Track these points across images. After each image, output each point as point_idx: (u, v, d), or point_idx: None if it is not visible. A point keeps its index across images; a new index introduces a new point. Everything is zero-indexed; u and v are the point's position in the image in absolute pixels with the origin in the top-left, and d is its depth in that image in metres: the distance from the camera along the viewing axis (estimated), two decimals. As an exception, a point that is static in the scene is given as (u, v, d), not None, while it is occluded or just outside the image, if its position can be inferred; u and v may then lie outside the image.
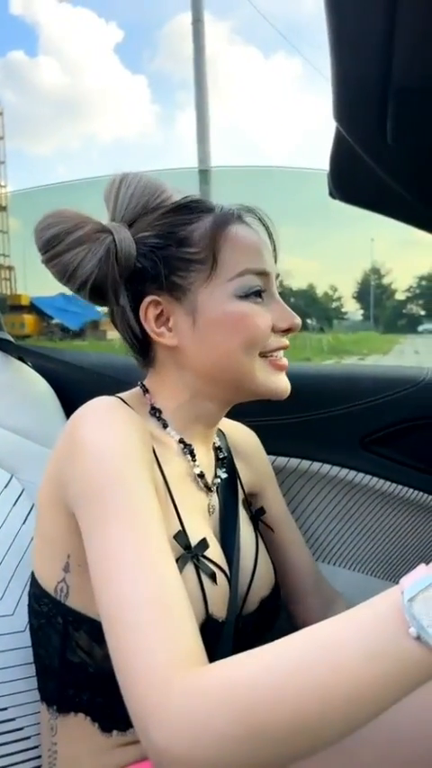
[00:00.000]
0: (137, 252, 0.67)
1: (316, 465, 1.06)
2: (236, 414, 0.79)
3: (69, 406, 1.07)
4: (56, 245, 0.66)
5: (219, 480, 0.75)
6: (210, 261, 0.65)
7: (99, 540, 0.54)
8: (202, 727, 0.44)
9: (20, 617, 0.78)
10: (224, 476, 0.76)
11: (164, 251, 0.66)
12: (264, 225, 0.71)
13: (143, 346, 0.71)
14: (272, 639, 0.48)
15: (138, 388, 0.73)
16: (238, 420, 0.88)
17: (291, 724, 0.43)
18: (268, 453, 0.91)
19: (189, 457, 0.71)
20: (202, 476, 0.71)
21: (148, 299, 0.67)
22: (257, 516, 0.82)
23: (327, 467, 1.06)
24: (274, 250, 0.72)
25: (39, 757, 0.76)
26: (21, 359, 1.04)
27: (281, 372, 0.70)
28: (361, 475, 1.05)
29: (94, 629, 0.61)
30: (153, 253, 0.66)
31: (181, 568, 0.59)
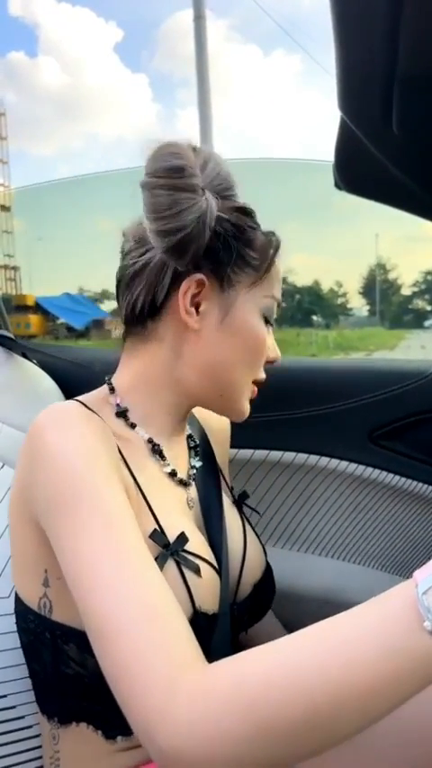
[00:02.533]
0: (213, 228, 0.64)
1: (324, 460, 1.06)
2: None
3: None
4: (177, 177, 0.62)
5: (194, 471, 0.73)
6: (261, 272, 0.67)
7: (72, 552, 0.52)
8: (212, 727, 0.43)
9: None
10: (198, 464, 0.74)
11: (235, 241, 0.65)
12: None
13: (147, 315, 0.67)
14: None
15: (103, 387, 0.70)
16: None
17: (303, 721, 0.42)
18: (277, 449, 0.90)
19: (158, 456, 0.68)
20: (174, 474, 0.69)
21: (197, 276, 0.64)
22: (241, 500, 0.80)
23: (335, 461, 1.06)
24: None
25: (41, 747, 0.76)
26: (25, 356, 1.04)
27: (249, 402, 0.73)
28: (370, 469, 1.05)
29: (82, 642, 0.58)
30: (227, 237, 0.64)
31: (161, 567, 0.57)
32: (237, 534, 0.73)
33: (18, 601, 0.66)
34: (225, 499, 0.75)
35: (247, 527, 0.76)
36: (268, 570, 0.76)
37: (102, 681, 0.53)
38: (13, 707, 0.75)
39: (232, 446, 0.92)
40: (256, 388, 0.72)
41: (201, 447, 0.77)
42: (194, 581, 0.61)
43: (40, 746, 0.76)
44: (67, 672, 0.61)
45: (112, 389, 0.69)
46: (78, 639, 0.59)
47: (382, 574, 1.11)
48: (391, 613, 0.43)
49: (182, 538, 0.62)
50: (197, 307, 0.65)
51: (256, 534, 0.78)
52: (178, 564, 0.60)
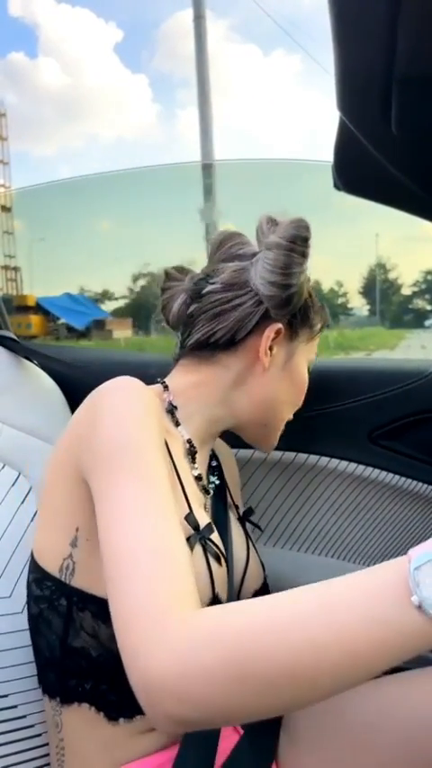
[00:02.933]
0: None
1: (324, 460, 1.06)
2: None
3: (76, 404, 1.07)
4: (302, 246, 0.75)
5: (212, 486, 0.80)
6: (315, 332, 0.82)
7: (111, 498, 0.56)
8: (191, 659, 0.45)
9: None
10: (217, 482, 0.82)
11: (310, 302, 0.80)
12: None
13: (220, 347, 0.75)
14: None
15: (158, 384, 0.76)
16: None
17: (279, 670, 0.44)
18: (277, 448, 0.90)
19: (190, 458, 0.74)
20: (200, 478, 0.75)
21: (278, 325, 0.75)
22: (245, 517, 0.85)
23: (335, 461, 1.06)
24: None
25: (45, 745, 0.76)
26: (27, 357, 1.04)
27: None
28: (369, 469, 1.05)
29: (99, 609, 0.62)
30: (308, 300, 0.79)
31: (192, 547, 0.62)
32: (240, 547, 0.78)
33: (35, 568, 0.68)
34: (231, 516, 0.80)
35: (250, 543, 0.81)
36: (265, 583, 0.81)
37: (109, 656, 0.58)
38: (15, 706, 0.75)
39: (233, 446, 0.92)
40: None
41: (218, 467, 0.84)
42: (215, 568, 0.66)
43: (41, 746, 0.76)
44: (75, 645, 0.63)
45: (165, 387, 0.76)
46: (95, 606, 0.62)
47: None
48: (380, 583, 0.44)
49: (209, 527, 0.68)
50: (270, 349, 0.75)
51: (256, 551, 0.82)
52: (204, 549, 0.65)
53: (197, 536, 0.65)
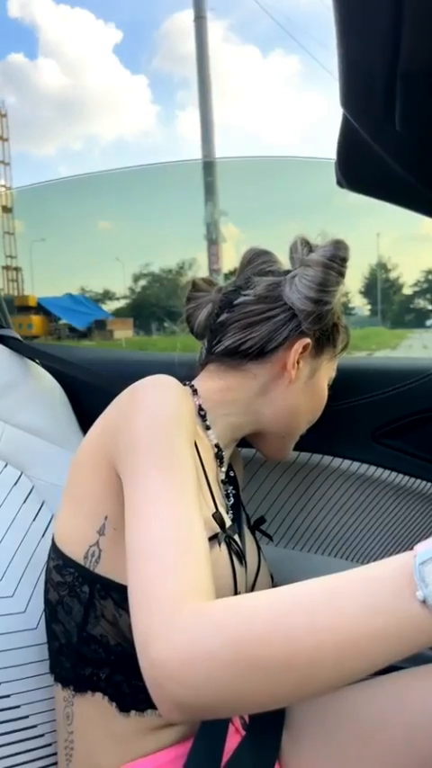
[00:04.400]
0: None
1: (327, 458, 1.06)
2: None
3: (78, 404, 1.07)
4: (341, 266, 0.79)
5: (233, 491, 0.82)
6: (338, 351, 0.86)
7: (138, 486, 0.58)
8: (199, 645, 0.46)
9: (31, 614, 0.78)
10: (233, 492, 0.83)
11: (337, 323, 0.83)
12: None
13: (249, 356, 0.78)
14: None
15: (187, 387, 0.77)
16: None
17: (282, 659, 0.44)
18: None
19: (218, 462, 0.77)
20: (225, 482, 0.78)
21: (307, 340, 0.78)
22: (256, 526, 0.87)
23: (338, 460, 1.06)
24: None
25: (48, 746, 0.76)
26: (29, 357, 1.04)
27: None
28: (373, 468, 1.05)
29: (122, 596, 0.63)
30: (338, 319, 0.83)
31: (219, 543, 0.65)
32: (252, 554, 0.79)
33: (57, 554, 0.69)
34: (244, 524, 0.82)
35: (261, 552, 0.83)
36: None
37: (125, 645, 0.61)
38: (17, 707, 0.75)
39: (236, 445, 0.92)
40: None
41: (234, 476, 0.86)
42: (238, 568, 0.68)
43: (44, 746, 0.76)
44: (93, 633, 0.65)
45: (195, 391, 0.78)
46: (118, 594, 0.64)
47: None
48: (386, 576, 0.45)
49: (233, 528, 0.70)
50: (297, 363, 0.78)
51: (266, 560, 0.83)
52: (229, 549, 0.67)
53: (223, 534, 0.67)
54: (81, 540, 0.67)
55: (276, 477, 1.10)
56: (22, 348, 1.03)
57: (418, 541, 1.09)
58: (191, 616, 0.48)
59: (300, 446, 0.99)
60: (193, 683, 0.46)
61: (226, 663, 0.45)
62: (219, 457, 0.77)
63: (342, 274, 0.79)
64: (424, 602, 0.42)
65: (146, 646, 0.48)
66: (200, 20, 9.16)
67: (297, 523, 1.12)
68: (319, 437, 1.05)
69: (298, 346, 0.78)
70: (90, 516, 0.66)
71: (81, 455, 0.69)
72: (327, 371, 0.85)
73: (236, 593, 0.66)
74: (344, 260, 0.79)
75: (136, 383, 0.67)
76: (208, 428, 0.76)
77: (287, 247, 0.84)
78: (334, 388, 0.90)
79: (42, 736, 0.76)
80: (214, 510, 0.68)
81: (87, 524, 0.66)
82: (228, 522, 0.69)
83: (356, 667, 0.44)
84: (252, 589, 0.76)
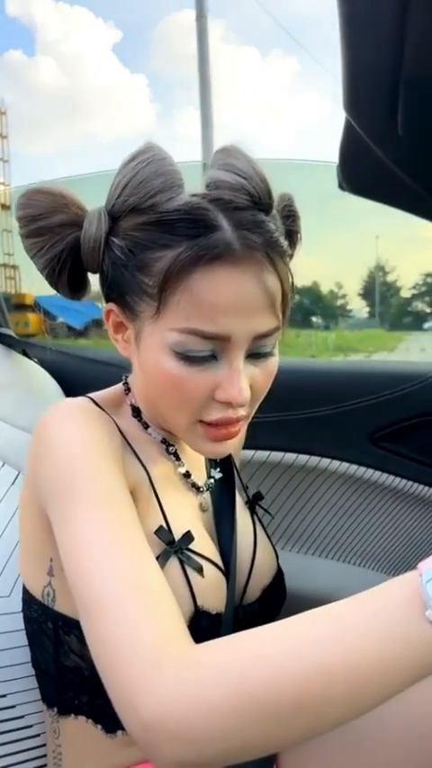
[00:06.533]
0: (105, 256, 0.60)
1: (325, 461, 1.06)
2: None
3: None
4: (24, 225, 0.62)
5: (212, 481, 0.73)
6: (157, 301, 0.56)
7: (71, 534, 0.52)
8: (199, 698, 0.42)
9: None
10: (218, 476, 0.74)
11: (124, 269, 0.58)
12: (275, 266, 0.57)
13: None
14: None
15: (120, 385, 0.70)
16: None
17: (293, 701, 0.41)
18: (278, 450, 0.90)
19: (173, 457, 0.69)
20: (188, 475, 0.69)
21: (108, 305, 0.63)
22: (254, 502, 0.79)
23: (336, 463, 1.06)
24: (284, 298, 0.60)
25: (43, 746, 0.76)
26: (25, 354, 1.04)
27: (218, 442, 0.62)
28: (371, 471, 1.05)
29: (83, 633, 0.56)
30: (115, 265, 0.59)
31: (163, 564, 0.57)
32: (247, 538, 0.73)
33: (24, 590, 0.67)
34: (238, 500, 0.75)
35: (259, 531, 0.75)
36: (279, 575, 0.76)
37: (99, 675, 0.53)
38: (13, 706, 0.75)
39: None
40: (227, 423, 0.60)
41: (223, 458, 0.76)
42: (197, 580, 0.61)
43: (39, 746, 0.76)
44: (67, 664, 0.62)
45: (127, 389, 0.69)
46: (79, 631, 0.57)
47: (382, 575, 1.11)
48: (392, 601, 0.42)
49: (187, 536, 0.62)
50: (125, 333, 0.63)
51: (269, 537, 0.77)
52: (181, 562, 0.60)
53: (170, 550, 0.60)
54: (37, 579, 0.64)
55: (274, 479, 1.10)
56: (19, 345, 1.03)
57: (415, 544, 1.09)
58: (179, 666, 0.43)
59: (297, 448, 0.99)
60: (195, 739, 0.41)
61: (230, 713, 0.41)
62: (171, 453, 0.68)
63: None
64: None
65: (133, 708, 0.43)
66: (201, 19, 9.17)
67: (294, 525, 1.12)
68: (316, 440, 1.06)
69: (104, 316, 0.65)
70: (39, 558, 0.63)
71: (21, 500, 0.66)
72: (158, 336, 0.59)
73: (195, 605, 0.60)
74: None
75: (44, 416, 0.60)
76: (147, 426, 0.67)
77: None
78: (332, 390, 0.89)
79: (38, 735, 0.76)
80: (160, 524, 0.61)
81: (38, 567, 0.64)
82: (184, 529, 0.62)
83: (371, 697, 0.42)
84: (248, 577, 0.71)
